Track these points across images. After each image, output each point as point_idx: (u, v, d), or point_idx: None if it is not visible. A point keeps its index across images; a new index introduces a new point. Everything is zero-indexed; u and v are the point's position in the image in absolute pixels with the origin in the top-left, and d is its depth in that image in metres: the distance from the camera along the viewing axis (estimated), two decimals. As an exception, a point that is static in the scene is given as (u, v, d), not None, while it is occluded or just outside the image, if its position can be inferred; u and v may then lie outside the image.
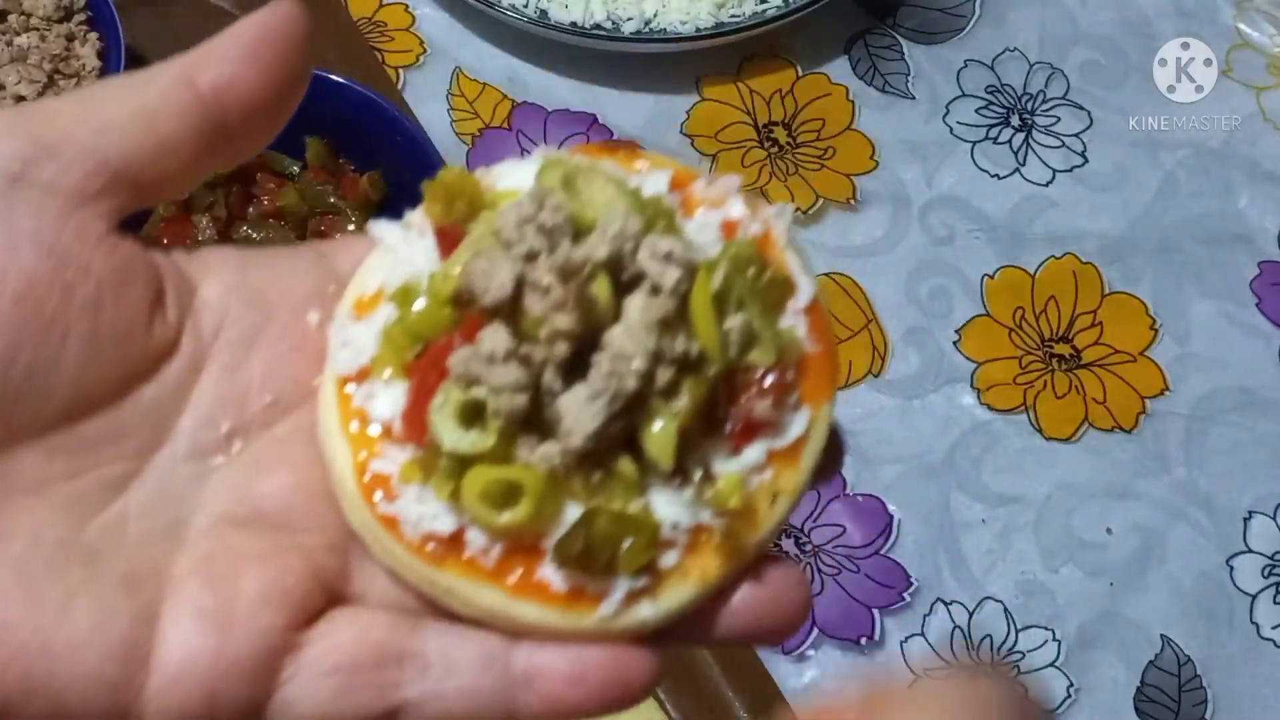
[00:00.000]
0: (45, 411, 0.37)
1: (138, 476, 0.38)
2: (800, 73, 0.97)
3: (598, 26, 0.92)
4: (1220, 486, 0.85)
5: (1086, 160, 0.96)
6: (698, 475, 0.37)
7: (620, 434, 0.37)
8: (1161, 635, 0.80)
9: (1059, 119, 0.98)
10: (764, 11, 0.93)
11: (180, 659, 0.36)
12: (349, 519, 0.39)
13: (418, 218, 0.40)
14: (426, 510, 0.37)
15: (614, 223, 0.38)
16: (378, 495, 0.38)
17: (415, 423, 0.37)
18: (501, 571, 0.37)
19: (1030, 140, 0.97)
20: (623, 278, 0.38)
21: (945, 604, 0.79)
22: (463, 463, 0.37)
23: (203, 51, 0.39)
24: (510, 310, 0.37)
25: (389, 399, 0.38)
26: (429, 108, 0.92)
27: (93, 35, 0.82)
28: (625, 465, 0.37)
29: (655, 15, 0.92)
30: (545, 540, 0.37)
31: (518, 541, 0.37)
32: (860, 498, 0.82)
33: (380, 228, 0.41)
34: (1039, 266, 0.91)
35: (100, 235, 0.38)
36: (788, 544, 0.80)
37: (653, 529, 0.37)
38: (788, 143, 0.95)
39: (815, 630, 0.77)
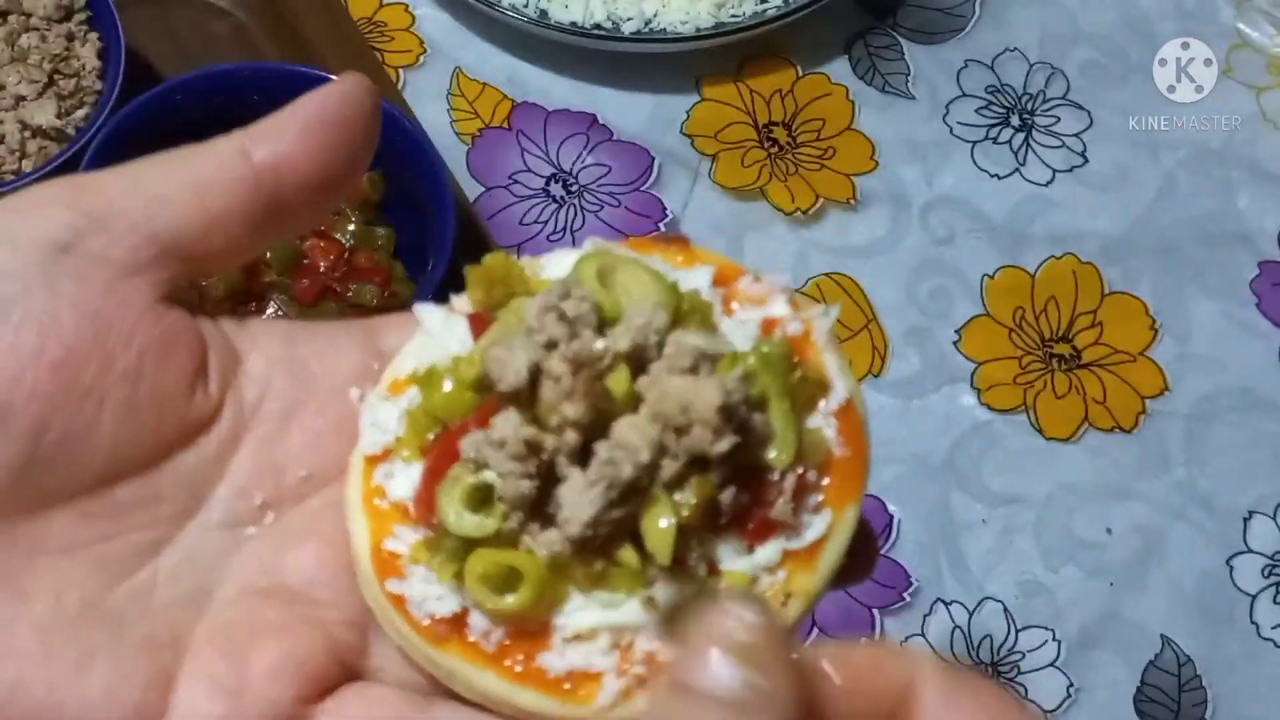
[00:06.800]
0: (79, 476, 0.37)
1: (169, 543, 0.39)
2: (800, 73, 0.97)
3: (598, 26, 0.92)
4: (1220, 486, 0.85)
5: (1086, 160, 0.96)
6: (702, 570, 0.37)
7: (624, 523, 0.37)
8: (1161, 635, 0.80)
9: (1059, 119, 0.98)
10: (764, 11, 0.93)
11: None
12: (364, 594, 0.39)
13: (460, 302, 0.41)
14: (432, 591, 0.38)
15: (640, 314, 0.38)
16: (389, 574, 0.38)
17: (426, 503, 0.38)
18: (501, 656, 0.37)
19: (1030, 140, 0.97)
20: (648, 371, 0.38)
21: (945, 604, 0.79)
22: (468, 545, 0.37)
23: (262, 125, 0.39)
24: (529, 398, 0.37)
25: (406, 479, 0.39)
26: (429, 108, 0.92)
27: (93, 35, 0.82)
28: (628, 555, 0.37)
29: (655, 15, 0.92)
30: (548, 626, 0.37)
31: (520, 626, 0.37)
32: (860, 498, 0.82)
33: (423, 310, 0.41)
34: (1039, 266, 0.91)
35: (146, 305, 0.38)
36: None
37: None
38: (788, 143, 0.95)
39: (815, 630, 0.77)
